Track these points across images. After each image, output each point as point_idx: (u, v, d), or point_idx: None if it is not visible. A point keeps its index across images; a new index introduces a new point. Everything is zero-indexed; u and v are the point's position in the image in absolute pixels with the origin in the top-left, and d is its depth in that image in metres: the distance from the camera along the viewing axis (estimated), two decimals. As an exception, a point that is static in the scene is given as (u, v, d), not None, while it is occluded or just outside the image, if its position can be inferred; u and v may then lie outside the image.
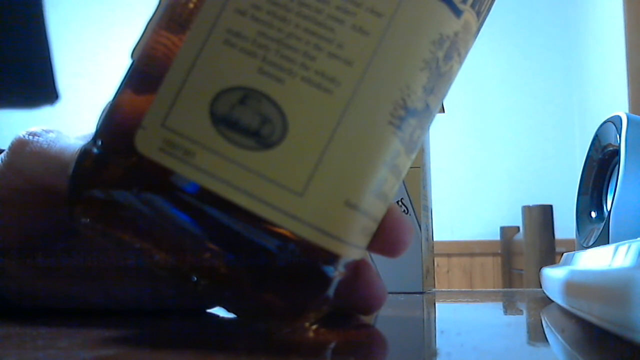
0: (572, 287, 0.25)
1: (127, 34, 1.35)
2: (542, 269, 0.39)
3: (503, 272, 1.78)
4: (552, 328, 0.26)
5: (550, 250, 1.33)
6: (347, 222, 0.19)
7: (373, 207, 0.20)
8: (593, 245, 0.44)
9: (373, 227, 0.21)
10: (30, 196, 0.25)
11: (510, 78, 2.11)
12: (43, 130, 0.26)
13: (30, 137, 0.26)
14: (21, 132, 0.26)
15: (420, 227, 0.47)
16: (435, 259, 0.53)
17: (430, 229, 0.49)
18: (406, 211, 0.46)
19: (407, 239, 0.22)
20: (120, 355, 0.18)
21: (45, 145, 0.25)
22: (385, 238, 0.22)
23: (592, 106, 1.89)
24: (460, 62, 0.22)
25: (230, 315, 0.26)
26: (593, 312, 0.20)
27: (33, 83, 0.63)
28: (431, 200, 0.50)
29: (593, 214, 0.49)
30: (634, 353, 0.17)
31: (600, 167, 0.48)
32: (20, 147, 0.25)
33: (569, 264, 0.34)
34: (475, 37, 0.22)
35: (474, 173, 2.09)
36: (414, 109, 0.20)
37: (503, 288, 1.68)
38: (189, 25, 0.19)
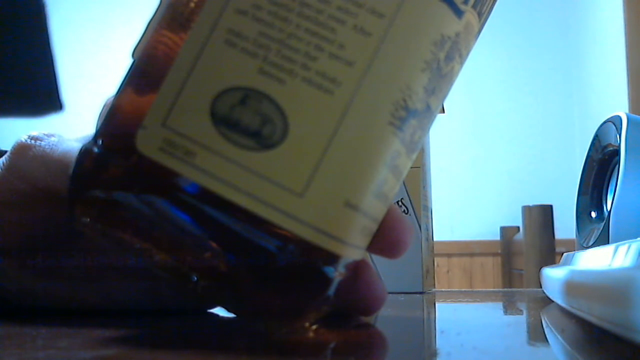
0: (572, 287, 0.25)
1: (128, 34, 1.35)
2: (542, 269, 0.39)
3: (503, 272, 1.78)
4: (552, 328, 0.26)
5: (550, 250, 1.33)
6: (347, 223, 0.19)
7: (373, 207, 0.20)
8: (593, 245, 0.44)
9: (373, 227, 0.21)
10: (31, 199, 0.25)
11: (510, 78, 2.11)
12: (44, 134, 0.26)
13: (32, 141, 0.26)
14: (22, 136, 0.26)
15: (420, 227, 0.47)
16: (435, 259, 0.53)
17: (430, 229, 0.49)
18: (406, 211, 0.46)
19: (407, 239, 0.22)
20: (120, 355, 0.18)
21: (48, 149, 0.25)
22: (385, 238, 0.22)
23: (592, 106, 1.89)
24: (462, 63, 0.22)
25: (230, 315, 0.26)
26: (593, 312, 0.20)
27: (37, 93, 0.63)
28: (431, 200, 0.50)
29: (593, 214, 0.49)
30: (634, 353, 0.17)
31: (600, 167, 0.48)
32: (23, 151, 0.25)
33: (569, 264, 0.34)
34: (477, 37, 0.22)
35: (474, 173, 2.09)
36: (414, 109, 0.20)
37: (503, 288, 1.68)
38: (190, 25, 0.19)
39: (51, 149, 0.25)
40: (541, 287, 0.40)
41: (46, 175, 0.25)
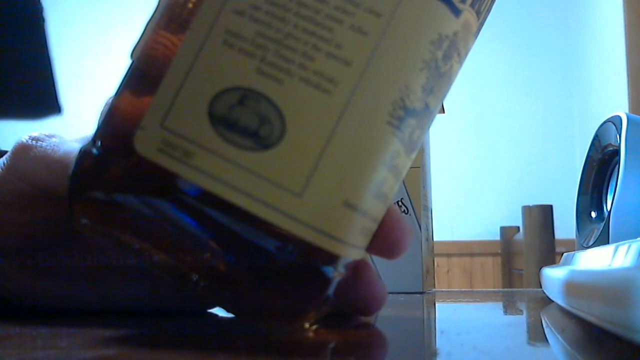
0: (572, 287, 0.25)
1: (127, 34, 1.35)
2: (542, 269, 0.39)
3: (503, 272, 1.78)
4: (552, 328, 0.26)
5: (550, 250, 1.33)
6: (347, 223, 0.19)
7: (372, 207, 0.20)
8: (593, 245, 0.44)
9: (373, 227, 0.21)
10: (32, 199, 0.25)
11: (510, 78, 2.11)
12: (45, 135, 0.26)
13: (33, 141, 0.26)
14: (23, 137, 0.26)
15: (420, 227, 0.47)
16: (435, 259, 0.53)
17: (430, 229, 0.49)
18: (406, 211, 0.46)
19: (406, 240, 0.22)
20: (120, 355, 0.18)
21: (50, 150, 0.25)
22: (384, 239, 0.22)
23: (592, 106, 1.89)
24: (460, 62, 0.22)
25: (230, 315, 0.26)
26: (593, 312, 0.20)
27: (35, 96, 0.64)
28: (431, 200, 0.50)
29: (593, 214, 0.48)
30: (634, 353, 0.17)
31: (600, 167, 0.48)
32: (24, 152, 0.25)
33: (569, 264, 0.34)
34: (476, 36, 0.22)
35: (474, 173, 2.09)
36: (413, 109, 0.20)
37: (503, 288, 1.68)
38: (188, 26, 0.19)
39: (52, 149, 0.25)
40: (541, 287, 0.40)
41: (47, 176, 0.25)
